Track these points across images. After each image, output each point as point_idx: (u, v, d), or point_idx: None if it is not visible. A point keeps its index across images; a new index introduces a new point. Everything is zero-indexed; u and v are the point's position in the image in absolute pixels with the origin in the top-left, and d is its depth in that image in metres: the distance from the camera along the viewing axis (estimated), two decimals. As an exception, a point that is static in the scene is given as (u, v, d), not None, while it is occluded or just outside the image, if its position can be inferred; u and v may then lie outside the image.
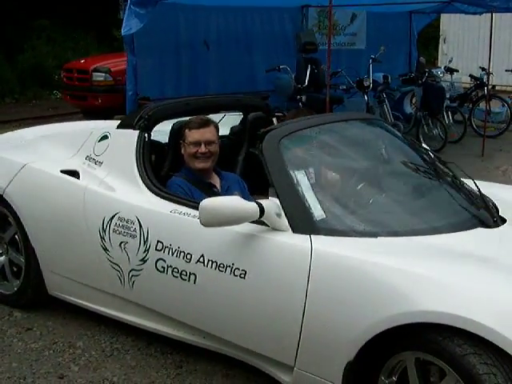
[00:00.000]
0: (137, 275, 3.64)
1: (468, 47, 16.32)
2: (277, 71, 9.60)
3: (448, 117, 10.55)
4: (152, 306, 3.69)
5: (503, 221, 3.47)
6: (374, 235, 3.07)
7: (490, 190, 3.95)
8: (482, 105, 11.09)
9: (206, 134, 3.95)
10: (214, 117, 4.43)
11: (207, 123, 3.99)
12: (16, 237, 4.36)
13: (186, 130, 3.97)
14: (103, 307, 4.00)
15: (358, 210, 3.31)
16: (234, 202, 3.05)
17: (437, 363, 2.68)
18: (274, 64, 9.54)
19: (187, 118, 4.10)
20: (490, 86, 10.98)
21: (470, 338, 2.54)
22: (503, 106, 11.45)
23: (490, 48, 9.78)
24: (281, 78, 9.85)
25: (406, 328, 2.66)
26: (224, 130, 4.66)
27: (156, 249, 3.50)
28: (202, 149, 3.91)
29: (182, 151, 4.00)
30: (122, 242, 3.68)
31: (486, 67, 10.56)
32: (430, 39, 18.82)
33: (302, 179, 3.23)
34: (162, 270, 3.47)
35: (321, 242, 2.98)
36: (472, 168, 8.38)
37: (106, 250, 3.77)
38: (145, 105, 5.30)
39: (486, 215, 3.46)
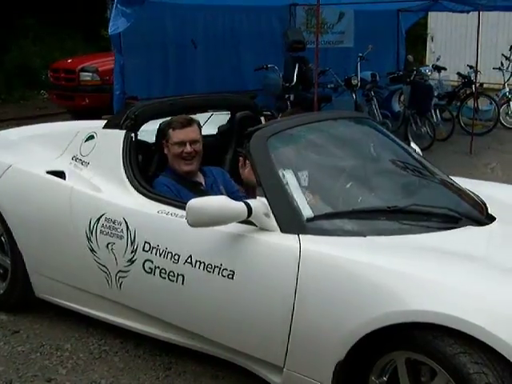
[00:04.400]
0: (124, 276, 3.60)
1: (456, 45, 16.37)
2: (265, 70, 9.58)
3: (436, 115, 10.56)
4: (140, 308, 3.66)
5: (492, 219, 3.47)
6: (363, 234, 3.05)
7: (479, 187, 3.96)
8: (470, 103, 11.11)
9: (190, 133, 3.91)
10: (202, 116, 4.41)
11: (190, 122, 3.95)
12: (2, 238, 4.32)
13: (170, 131, 3.93)
14: (91, 309, 3.96)
15: (346, 209, 3.28)
16: (221, 202, 3.02)
17: (427, 363, 2.66)
18: (262, 63, 9.52)
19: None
20: (477, 84, 11.00)
21: (461, 338, 2.52)
22: (491, 103, 11.48)
23: (478, 46, 9.80)
24: (269, 77, 9.84)
25: (396, 327, 2.64)
26: (211, 129, 4.64)
27: (143, 250, 3.47)
28: (188, 148, 3.88)
29: (166, 151, 3.97)
30: (109, 243, 3.64)
31: (474, 65, 10.58)
32: (417, 37, 18.84)
33: (289, 178, 3.21)
34: (150, 271, 3.44)
35: (309, 242, 2.96)
36: (460, 166, 8.45)
37: (93, 251, 3.73)
38: (132, 104, 5.27)
39: (475, 213, 3.46)
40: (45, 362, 3.77)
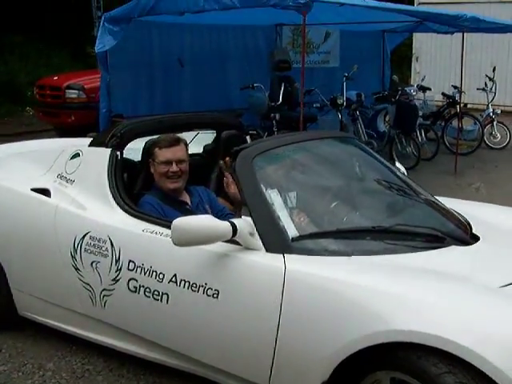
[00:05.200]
0: (109, 295, 3.58)
1: (440, 66, 16.50)
2: (251, 89, 9.61)
3: (421, 135, 10.62)
4: (124, 327, 3.64)
5: (476, 238, 3.48)
6: (348, 254, 3.06)
7: (463, 207, 3.98)
8: (455, 123, 11.18)
9: (177, 152, 3.90)
10: (187, 135, 4.41)
11: (177, 141, 3.94)
12: (-15, 256, 4.27)
13: (156, 149, 3.92)
14: (74, 328, 3.94)
15: (331, 229, 3.29)
16: (206, 222, 3.02)
17: (412, 383, 2.64)
18: (248, 82, 9.55)
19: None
20: (462, 104, 11.08)
21: (445, 357, 2.52)
22: (475, 123, 11.57)
23: (462, 67, 9.89)
24: (255, 96, 9.86)
25: (381, 347, 2.64)
26: (197, 148, 4.65)
27: (128, 268, 3.46)
28: (174, 168, 3.87)
29: (152, 170, 3.96)
30: (93, 262, 3.63)
31: (458, 86, 10.67)
32: (403, 58, 19.00)
33: (275, 198, 3.21)
34: (134, 289, 3.43)
35: (294, 262, 2.96)
36: (445, 185, 8.48)
37: (77, 269, 3.71)
38: (118, 122, 5.26)
39: (459, 233, 3.48)
40: (27, 382, 3.73)
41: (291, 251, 3.03)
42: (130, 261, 3.46)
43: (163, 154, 3.88)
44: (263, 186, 3.26)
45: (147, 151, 4.06)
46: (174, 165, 3.86)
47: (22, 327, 4.30)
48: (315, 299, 2.83)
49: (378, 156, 4.12)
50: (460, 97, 10.79)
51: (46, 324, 4.10)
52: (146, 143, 4.18)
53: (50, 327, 4.08)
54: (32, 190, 4.10)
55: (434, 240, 3.33)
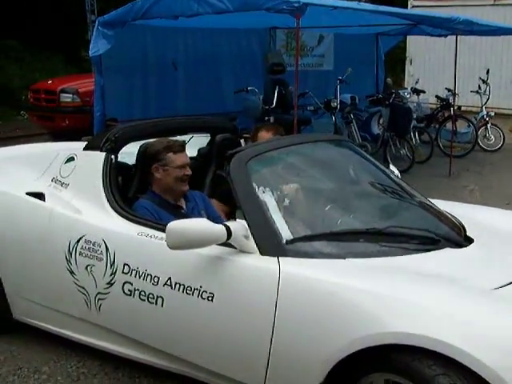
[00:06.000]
0: (103, 299, 3.59)
1: (434, 69, 16.52)
2: (245, 92, 9.63)
3: (415, 137, 10.67)
4: (119, 330, 3.64)
5: (470, 240, 3.50)
6: (342, 257, 3.07)
7: (457, 209, 3.99)
8: (449, 125, 11.22)
9: (187, 156, 3.99)
10: (182, 138, 4.42)
11: (185, 146, 4.02)
12: (-20, 260, 4.27)
13: (170, 154, 3.90)
14: (69, 331, 3.94)
15: (325, 232, 3.30)
16: (201, 225, 3.03)
17: (407, 384, 2.66)
18: (242, 85, 9.58)
19: (153, 140, 4.07)
20: (455, 107, 11.12)
21: (440, 359, 2.54)
22: (469, 126, 11.61)
23: (455, 69, 9.92)
24: (249, 100, 9.89)
25: (375, 349, 2.65)
26: (191, 152, 4.65)
27: (123, 272, 3.46)
28: (188, 171, 3.94)
29: (159, 176, 3.91)
30: (88, 265, 3.63)
31: (452, 88, 10.70)
32: (397, 61, 19.02)
33: (269, 201, 3.22)
34: (129, 293, 3.43)
35: (289, 264, 2.97)
36: (439, 188, 8.50)
37: (72, 273, 3.71)
38: (112, 126, 5.27)
39: (453, 235, 3.50)
40: (22, 386, 3.75)
41: (286, 254, 3.04)
42: (124, 264, 3.46)
43: (179, 159, 3.91)
44: (257, 189, 3.27)
45: (151, 156, 3.97)
46: (187, 168, 3.93)
47: (17, 331, 4.29)
48: (310, 301, 2.84)
49: (371, 159, 4.13)
50: (454, 99, 10.83)
51: (41, 328, 4.09)
52: (140, 147, 4.18)
53: (46, 331, 4.08)
54: (27, 193, 4.09)
55: (428, 242, 3.34)
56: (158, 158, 3.92)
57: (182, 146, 3.98)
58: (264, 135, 4.40)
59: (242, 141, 4.85)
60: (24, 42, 17.31)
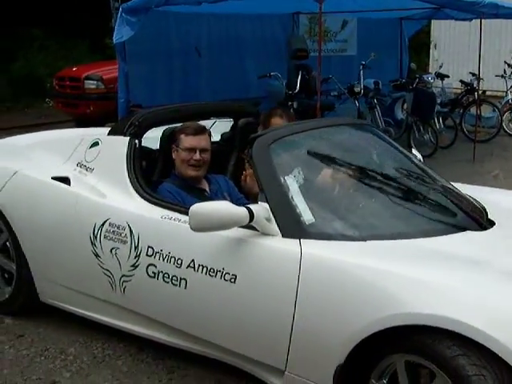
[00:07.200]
0: (128, 281, 3.64)
1: (459, 53, 16.36)
2: (268, 78, 9.63)
3: (439, 122, 10.60)
4: (143, 312, 3.69)
5: (492, 224, 3.50)
6: (363, 239, 3.09)
7: (479, 193, 4.00)
8: (473, 110, 11.14)
9: (202, 141, 3.96)
10: (205, 123, 4.45)
11: (203, 131, 4.00)
12: (7, 244, 4.36)
13: (182, 135, 3.96)
14: (95, 313, 4.00)
15: (347, 214, 3.33)
16: (223, 207, 3.06)
17: (426, 365, 2.68)
18: (266, 70, 9.57)
19: (178, 125, 4.12)
20: (480, 91, 11.03)
21: (460, 340, 2.55)
22: (494, 110, 11.52)
23: (480, 54, 9.84)
24: (272, 85, 9.89)
25: (396, 330, 2.68)
26: (214, 137, 4.68)
27: (147, 254, 3.51)
28: (197, 156, 3.92)
29: (174, 156, 4.01)
30: (112, 248, 3.68)
31: (476, 73, 10.62)
32: (422, 45, 18.87)
33: (291, 184, 3.25)
34: (153, 275, 3.48)
35: (310, 246, 3.00)
36: (463, 173, 8.46)
37: (97, 256, 3.77)
38: (135, 112, 5.31)
39: (474, 218, 3.50)
40: (49, 366, 3.81)
41: (307, 236, 3.06)
42: (148, 247, 3.51)
43: (188, 141, 3.93)
44: (279, 172, 3.30)
45: (168, 139, 4.11)
46: (197, 153, 3.92)
47: (44, 313, 4.37)
48: (331, 282, 2.87)
49: (394, 143, 4.13)
50: (478, 84, 10.74)
51: (67, 310, 4.16)
52: (163, 131, 4.23)
53: (72, 313, 4.15)
54: (52, 178, 4.15)
55: (449, 225, 3.36)
56: (174, 138, 4.01)
57: (196, 130, 3.96)
58: (277, 121, 4.36)
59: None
60: (48, 31, 17.42)
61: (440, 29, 17.05)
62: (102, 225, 3.74)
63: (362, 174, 3.70)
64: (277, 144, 3.46)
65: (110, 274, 3.73)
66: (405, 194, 3.65)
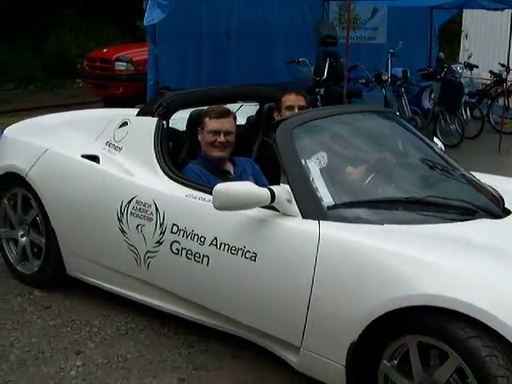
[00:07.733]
0: (152, 257, 3.76)
1: (489, 43, 16.25)
2: (296, 64, 9.67)
3: (466, 113, 10.55)
4: (166, 287, 3.81)
5: (508, 212, 3.56)
6: (380, 223, 3.17)
7: (498, 182, 4.05)
8: (501, 101, 11.07)
9: (226, 124, 4.04)
10: (232, 106, 4.54)
11: (227, 113, 4.08)
12: (37, 219, 4.48)
13: (206, 119, 4.05)
14: (119, 288, 4.12)
15: (366, 199, 3.41)
16: (246, 187, 3.16)
17: (440, 346, 2.74)
18: (294, 56, 9.60)
19: (205, 107, 4.21)
20: (508, 83, 10.96)
21: (472, 322, 2.62)
22: (522, 102, 11.43)
23: (510, 44, 9.78)
24: (300, 71, 9.92)
25: (409, 311, 2.75)
26: (241, 120, 4.77)
27: (171, 231, 3.62)
28: (221, 138, 4.00)
29: (199, 138, 4.10)
30: (138, 225, 3.80)
31: (506, 63, 10.56)
32: (453, 35, 18.74)
33: (312, 167, 3.34)
34: (177, 252, 3.59)
35: (328, 228, 3.09)
36: (488, 164, 8.42)
37: (123, 232, 3.89)
38: (164, 93, 5.41)
39: (491, 206, 3.56)
40: (75, 336, 3.95)
41: (326, 218, 3.16)
42: (173, 224, 3.62)
43: (212, 124, 4.01)
44: (302, 156, 3.39)
45: (194, 121, 4.21)
46: (221, 135, 4.00)
47: (71, 286, 4.50)
48: (347, 262, 2.96)
49: (415, 130, 4.19)
50: (507, 75, 10.67)
51: (93, 284, 4.29)
52: (190, 113, 4.33)
53: (97, 287, 4.28)
54: (82, 156, 4.26)
55: (465, 212, 3.42)
56: (200, 120, 4.10)
57: (220, 113, 4.03)
58: (291, 97, 4.48)
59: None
60: (80, 12, 17.57)
61: (472, 19, 16.93)
62: (129, 202, 3.85)
63: (383, 160, 3.77)
64: (300, 128, 3.55)
65: (135, 250, 3.84)
66: (423, 181, 3.71)
